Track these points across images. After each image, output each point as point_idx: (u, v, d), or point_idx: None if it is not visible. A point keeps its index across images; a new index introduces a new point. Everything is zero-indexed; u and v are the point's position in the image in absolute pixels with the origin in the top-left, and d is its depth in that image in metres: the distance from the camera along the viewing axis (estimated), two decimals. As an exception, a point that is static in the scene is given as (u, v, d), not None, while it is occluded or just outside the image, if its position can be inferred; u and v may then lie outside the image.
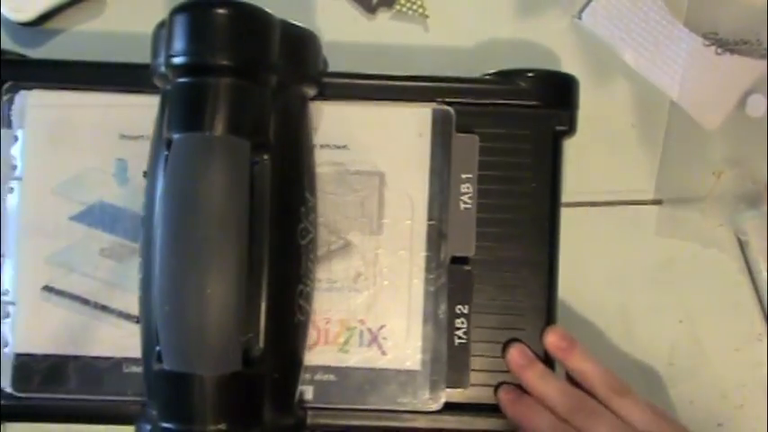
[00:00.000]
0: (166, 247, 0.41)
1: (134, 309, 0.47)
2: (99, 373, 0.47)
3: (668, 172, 0.57)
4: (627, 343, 0.56)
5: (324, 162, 0.48)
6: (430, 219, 0.48)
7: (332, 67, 0.49)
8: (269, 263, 0.43)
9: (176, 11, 0.43)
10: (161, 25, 0.45)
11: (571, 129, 0.50)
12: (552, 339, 0.48)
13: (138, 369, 0.47)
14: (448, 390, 0.48)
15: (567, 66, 0.57)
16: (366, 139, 0.49)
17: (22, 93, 0.48)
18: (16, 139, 0.48)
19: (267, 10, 0.44)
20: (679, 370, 0.56)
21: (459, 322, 0.48)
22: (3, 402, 0.47)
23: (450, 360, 0.48)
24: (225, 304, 0.41)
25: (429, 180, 0.48)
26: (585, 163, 0.56)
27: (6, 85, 0.48)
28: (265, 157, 0.43)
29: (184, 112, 0.43)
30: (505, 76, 0.50)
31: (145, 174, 0.46)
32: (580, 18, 0.57)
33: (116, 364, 0.48)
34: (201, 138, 0.42)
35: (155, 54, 0.45)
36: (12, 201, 0.48)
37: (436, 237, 0.48)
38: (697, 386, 0.56)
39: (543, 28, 0.57)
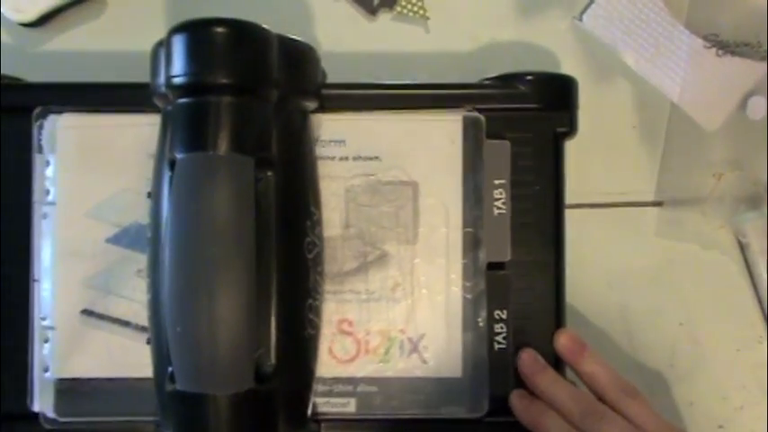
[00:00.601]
0: (175, 267, 0.41)
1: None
2: (142, 395, 0.47)
3: (669, 173, 0.57)
4: (627, 344, 0.57)
5: (357, 174, 0.48)
6: (465, 226, 0.48)
7: (332, 71, 0.49)
8: (277, 278, 0.43)
9: (174, 31, 0.43)
10: (159, 45, 0.45)
11: (572, 130, 0.50)
12: (564, 342, 0.48)
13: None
14: (491, 396, 0.48)
15: (568, 67, 0.57)
16: (397, 149, 0.48)
17: (52, 117, 0.48)
18: (48, 163, 0.48)
19: (264, 26, 0.44)
20: (679, 371, 0.57)
21: (498, 327, 0.48)
22: (47, 427, 0.47)
23: (491, 366, 0.48)
24: (235, 322, 0.41)
25: (462, 187, 0.48)
26: (586, 164, 0.56)
27: (36, 111, 0.48)
28: (269, 173, 0.43)
29: (187, 132, 0.43)
30: (505, 79, 0.50)
31: (149, 194, 0.45)
32: (581, 20, 0.57)
33: None
34: (205, 157, 0.42)
35: (154, 74, 0.45)
36: (46, 226, 0.48)
37: (472, 244, 0.48)
38: (697, 388, 0.56)
39: (544, 30, 0.57)
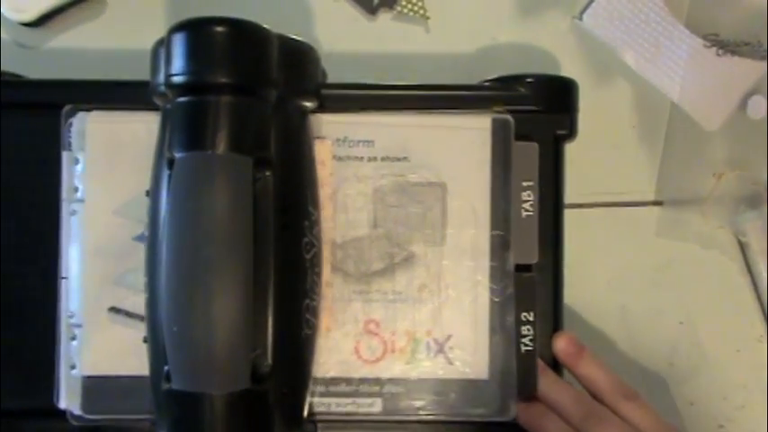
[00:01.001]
0: (172, 266, 0.41)
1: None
2: None
3: (669, 173, 0.57)
4: (627, 344, 0.57)
5: (385, 174, 0.48)
6: (494, 228, 0.48)
7: (331, 71, 0.49)
8: (274, 278, 0.43)
9: (174, 30, 0.43)
10: (159, 43, 0.45)
11: (572, 133, 0.50)
12: (562, 345, 0.48)
13: None
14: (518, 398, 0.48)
15: (568, 67, 0.57)
16: (426, 150, 0.48)
17: (81, 114, 0.48)
18: (77, 161, 0.48)
19: (264, 26, 0.44)
20: (680, 371, 0.56)
21: (524, 329, 0.48)
22: (74, 424, 0.47)
23: (518, 368, 0.48)
24: (232, 322, 0.41)
25: (491, 189, 0.48)
26: (586, 164, 0.56)
27: (66, 108, 0.48)
28: (267, 172, 0.43)
29: (185, 131, 0.43)
30: (505, 81, 0.50)
31: (147, 193, 0.45)
32: (581, 19, 0.57)
33: None
34: (204, 156, 0.42)
35: (154, 73, 0.45)
36: (74, 223, 0.48)
37: (501, 247, 0.48)
38: (698, 387, 0.56)
39: (544, 29, 0.57)
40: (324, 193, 0.47)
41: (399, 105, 0.49)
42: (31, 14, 0.55)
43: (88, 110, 0.48)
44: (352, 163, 0.48)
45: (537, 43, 0.57)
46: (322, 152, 0.48)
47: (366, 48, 0.57)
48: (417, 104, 0.49)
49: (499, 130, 0.48)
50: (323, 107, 0.48)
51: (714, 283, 0.57)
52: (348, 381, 0.48)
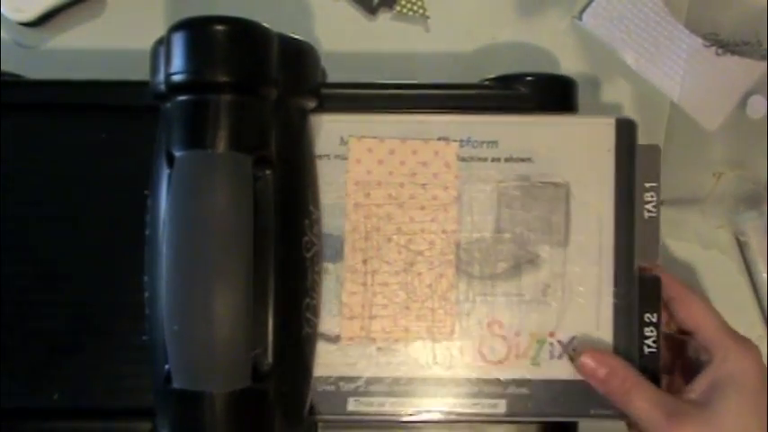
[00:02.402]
0: (173, 265, 0.41)
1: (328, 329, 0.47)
2: None
3: (668, 173, 0.57)
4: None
5: (510, 176, 0.48)
6: (617, 232, 0.47)
7: (331, 70, 0.49)
8: (275, 277, 0.43)
9: (174, 28, 0.44)
10: (159, 43, 0.45)
11: (572, 132, 0.50)
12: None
13: (328, 387, 0.47)
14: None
15: (568, 67, 0.57)
16: (550, 150, 0.48)
17: None
18: None
19: (265, 24, 0.44)
20: (679, 371, 0.56)
21: (648, 331, 0.48)
22: None
23: (642, 370, 0.47)
24: (233, 321, 0.41)
25: (615, 190, 0.48)
26: (586, 164, 0.56)
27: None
28: (267, 171, 0.43)
29: (185, 129, 0.43)
30: (504, 80, 0.50)
31: (147, 192, 0.45)
32: (580, 19, 0.57)
33: None
34: (204, 155, 0.42)
35: (154, 72, 0.45)
36: None
37: (625, 251, 0.47)
38: (697, 387, 0.56)
39: (543, 29, 0.57)
40: (448, 195, 0.47)
41: (400, 105, 0.49)
42: (30, 14, 0.55)
43: None
44: (475, 164, 0.48)
45: (536, 43, 0.57)
46: (447, 154, 0.48)
47: (366, 47, 0.57)
48: (419, 104, 0.49)
49: (623, 131, 0.48)
50: (322, 107, 0.47)
51: (713, 283, 0.57)
52: (471, 382, 0.47)
